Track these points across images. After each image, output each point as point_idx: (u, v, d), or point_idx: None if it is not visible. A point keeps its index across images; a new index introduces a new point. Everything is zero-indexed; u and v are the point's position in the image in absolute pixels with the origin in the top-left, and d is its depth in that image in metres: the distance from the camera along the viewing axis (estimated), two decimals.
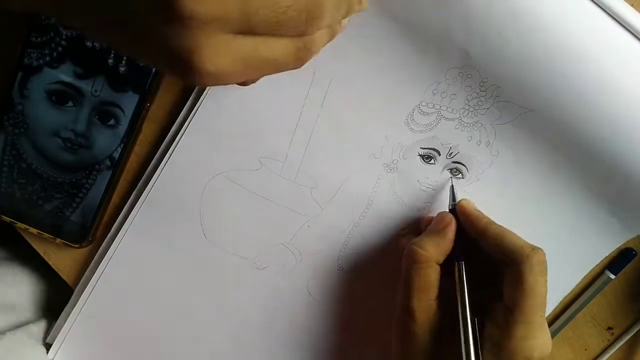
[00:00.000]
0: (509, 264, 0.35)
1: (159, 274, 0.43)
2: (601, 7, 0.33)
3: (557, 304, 0.44)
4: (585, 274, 0.42)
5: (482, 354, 0.35)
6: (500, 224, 0.37)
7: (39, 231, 0.41)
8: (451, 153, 0.39)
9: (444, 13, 0.33)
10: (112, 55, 0.38)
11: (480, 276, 0.37)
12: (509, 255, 0.35)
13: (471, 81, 0.36)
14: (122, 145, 0.40)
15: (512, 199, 0.40)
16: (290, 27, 0.27)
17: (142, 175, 0.41)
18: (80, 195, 0.41)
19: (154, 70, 0.38)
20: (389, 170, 0.40)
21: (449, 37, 0.34)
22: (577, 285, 0.43)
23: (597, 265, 0.42)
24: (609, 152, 0.36)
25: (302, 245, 0.42)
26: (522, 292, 0.34)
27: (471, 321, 0.35)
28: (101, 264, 0.42)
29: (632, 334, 0.45)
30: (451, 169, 0.40)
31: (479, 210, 0.38)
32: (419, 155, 0.39)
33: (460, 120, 0.38)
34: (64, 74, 0.38)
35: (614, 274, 0.43)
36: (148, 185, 0.41)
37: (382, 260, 0.42)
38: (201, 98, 0.39)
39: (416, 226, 0.41)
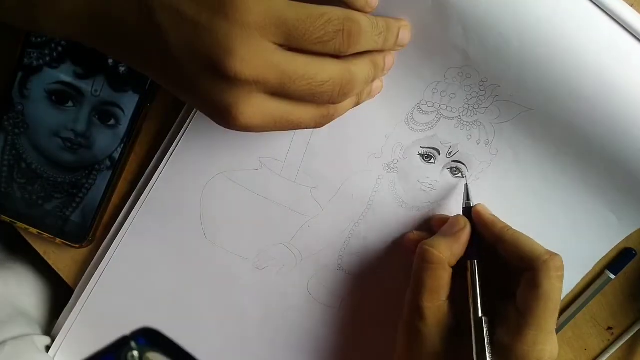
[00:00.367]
0: (526, 269, 0.35)
1: (158, 274, 0.43)
2: (600, 7, 0.33)
3: None
4: (585, 273, 0.42)
5: (492, 356, 0.35)
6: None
7: (39, 231, 0.41)
8: (451, 152, 0.39)
9: (444, 13, 0.33)
10: None
11: (492, 280, 0.37)
12: (526, 261, 0.35)
13: (471, 80, 0.36)
14: (122, 145, 0.40)
15: (512, 197, 0.40)
16: (323, 98, 0.30)
17: (142, 176, 0.41)
18: (80, 195, 0.41)
19: None
20: (389, 170, 0.40)
21: (448, 36, 0.34)
22: (577, 285, 0.43)
23: (597, 265, 0.42)
24: (607, 149, 0.36)
25: (302, 245, 0.42)
26: (536, 298, 0.34)
27: (482, 319, 0.35)
28: (101, 264, 0.42)
29: (632, 334, 0.45)
30: (451, 168, 0.40)
31: (494, 215, 0.38)
32: (419, 154, 0.39)
33: (459, 119, 0.38)
34: (64, 74, 0.38)
35: (614, 274, 0.43)
36: (148, 186, 0.41)
37: (382, 260, 0.42)
38: None
39: (426, 225, 0.41)
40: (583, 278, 0.43)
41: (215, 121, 0.30)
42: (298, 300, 0.43)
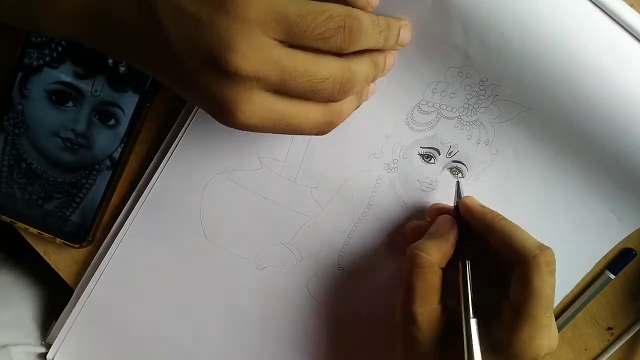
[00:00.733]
0: (516, 262, 0.35)
1: (158, 274, 0.43)
2: (600, 7, 0.33)
3: (557, 304, 0.44)
4: (585, 273, 0.42)
5: (488, 354, 0.35)
6: None
7: (39, 231, 0.41)
8: (451, 152, 0.39)
9: (444, 12, 0.33)
10: None
11: (486, 275, 0.37)
12: (516, 254, 0.35)
13: (470, 80, 0.36)
14: (122, 145, 0.40)
15: (512, 197, 0.40)
16: (323, 95, 0.30)
17: (142, 176, 0.41)
18: (80, 195, 0.41)
19: None
20: (389, 170, 0.40)
21: (448, 36, 0.34)
22: (577, 285, 0.43)
23: (597, 265, 0.42)
24: (607, 149, 0.36)
25: (303, 245, 0.42)
26: (528, 293, 0.34)
27: (474, 320, 0.35)
28: (101, 264, 0.42)
29: (632, 334, 0.45)
30: (451, 168, 0.40)
31: (483, 206, 0.38)
32: (419, 154, 0.39)
33: (459, 119, 0.38)
34: (64, 74, 0.38)
35: (614, 274, 0.43)
36: (148, 185, 0.41)
37: (382, 260, 0.42)
38: None
39: (410, 213, 0.40)
40: (583, 278, 0.43)
41: (214, 118, 0.30)
42: (298, 300, 0.43)
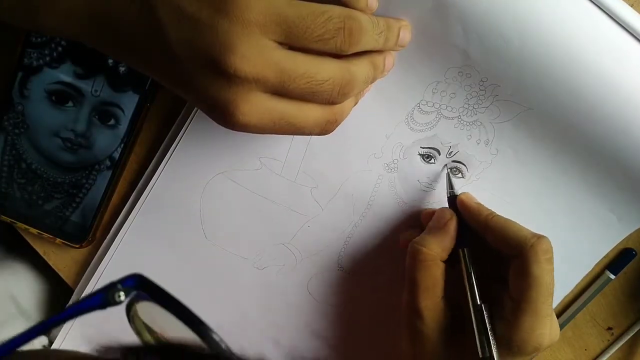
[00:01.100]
0: (514, 255, 0.35)
1: (158, 274, 0.42)
2: (600, 7, 0.33)
3: (557, 304, 0.44)
4: (586, 273, 0.42)
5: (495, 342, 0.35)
6: None
7: (39, 231, 0.41)
8: (451, 152, 0.39)
9: (444, 13, 0.33)
10: None
11: (485, 270, 0.37)
12: (513, 246, 0.35)
13: (470, 80, 0.36)
14: (122, 145, 0.40)
15: (512, 197, 0.40)
16: (323, 97, 0.30)
17: (142, 176, 0.41)
18: (80, 195, 0.41)
19: None
20: (390, 170, 0.40)
21: (448, 36, 0.34)
22: (577, 285, 0.43)
23: (597, 265, 0.42)
24: (607, 149, 0.36)
25: (303, 245, 0.42)
26: (527, 283, 0.34)
27: (481, 306, 0.35)
28: (101, 264, 0.42)
29: (632, 334, 0.45)
30: (451, 169, 0.40)
31: (479, 203, 0.38)
32: (419, 154, 0.39)
33: (459, 119, 0.38)
34: (64, 74, 0.38)
35: (614, 274, 0.43)
36: (148, 186, 0.41)
37: (382, 260, 0.42)
38: None
39: (416, 221, 0.41)
40: (583, 278, 0.43)
41: (213, 119, 0.30)
42: (298, 300, 0.43)
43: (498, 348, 0.35)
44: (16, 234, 0.43)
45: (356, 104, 0.35)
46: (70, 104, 0.39)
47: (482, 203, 0.39)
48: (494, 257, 0.37)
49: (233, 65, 0.27)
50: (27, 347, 0.41)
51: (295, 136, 0.39)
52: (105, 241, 0.42)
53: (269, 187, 0.40)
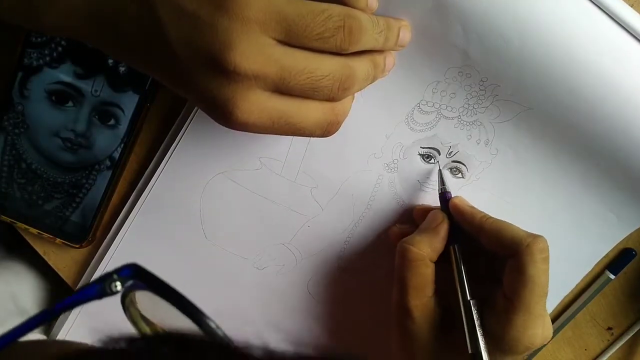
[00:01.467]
0: (510, 255, 0.35)
1: (158, 274, 0.42)
2: (600, 7, 0.33)
3: (557, 304, 0.44)
4: (586, 273, 0.42)
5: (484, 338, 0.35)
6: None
7: (39, 231, 0.41)
8: (451, 152, 0.39)
9: (444, 13, 0.33)
10: None
11: (478, 270, 0.37)
12: (509, 247, 0.35)
13: (470, 80, 0.36)
14: (122, 145, 0.40)
15: (512, 197, 0.40)
16: (323, 93, 0.30)
17: (142, 176, 0.41)
18: (80, 195, 0.41)
19: None
20: (390, 170, 0.40)
21: (448, 36, 0.34)
22: (577, 285, 0.43)
23: (597, 265, 0.42)
24: (607, 149, 0.36)
25: (302, 245, 0.42)
26: (522, 283, 0.34)
27: (472, 303, 0.35)
28: (101, 264, 0.42)
29: (632, 334, 0.45)
30: (451, 169, 0.40)
31: (472, 207, 0.38)
32: (419, 154, 0.39)
33: (459, 119, 0.38)
34: (64, 74, 0.38)
35: (614, 274, 0.43)
36: (148, 185, 0.41)
37: (382, 260, 0.42)
38: None
39: (409, 213, 0.41)
40: (583, 278, 0.43)
41: (213, 118, 0.30)
42: (298, 300, 0.43)
43: (490, 346, 0.35)
44: (16, 234, 0.43)
45: (352, 101, 0.35)
46: (70, 104, 0.39)
47: (482, 203, 0.39)
48: (487, 258, 0.37)
49: (233, 63, 0.27)
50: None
51: (295, 136, 0.39)
52: (105, 241, 0.42)
53: (269, 187, 0.40)
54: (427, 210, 0.39)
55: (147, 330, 0.24)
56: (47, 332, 0.45)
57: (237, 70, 0.27)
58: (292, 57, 0.28)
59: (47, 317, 0.22)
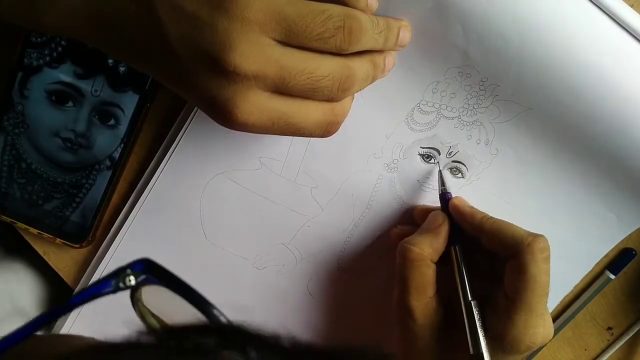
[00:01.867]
0: (511, 255, 0.35)
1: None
2: (600, 7, 0.33)
3: (557, 304, 0.44)
4: (586, 273, 0.42)
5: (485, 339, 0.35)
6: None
7: (39, 231, 0.41)
8: (451, 152, 0.39)
9: (444, 13, 0.33)
10: None
11: (479, 270, 0.37)
12: (509, 247, 0.35)
13: (470, 80, 0.36)
14: (122, 145, 0.40)
15: (512, 197, 0.40)
16: (323, 93, 0.30)
17: (142, 176, 0.41)
18: (80, 195, 0.41)
19: None
20: (390, 170, 0.40)
21: (448, 36, 0.34)
22: (577, 285, 0.43)
23: (597, 265, 0.42)
24: (607, 149, 0.36)
25: (302, 245, 0.42)
26: (524, 282, 0.34)
27: (472, 302, 0.35)
28: (101, 264, 0.42)
29: (632, 334, 0.45)
30: (451, 169, 0.40)
31: (472, 207, 0.38)
32: (419, 154, 0.39)
33: (459, 119, 0.38)
34: (64, 74, 0.38)
35: (614, 274, 0.43)
36: (148, 186, 0.41)
37: (382, 260, 0.42)
38: None
39: (410, 213, 0.41)
40: (583, 278, 0.43)
41: (213, 118, 0.30)
42: (298, 300, 0.43)
43: (491, 346, 0.35)
44: (16, 234, 0.43)
45: (352, 102, 0.35)
46: (70, 104, 0.39)
47: (482, 203, 0.39)
48: (488, 258, 0.37)
49: (233, 63, 0.27)
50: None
51: (295, 136, 0.39)
52: (105, 241, 0.42)
53: (269, 187, 0.40)
54: (427, 211, 0.39)
55: (156, 325, 0.24)
56: (46, 332, 0.45)
57: (237, 71, 0.27)
58: (292, 58, 0.28)
59: (62, 312, 0.22)
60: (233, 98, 0.28)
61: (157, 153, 0.40)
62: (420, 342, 0.36)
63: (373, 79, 0.33)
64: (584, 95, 0.34)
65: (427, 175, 0.40)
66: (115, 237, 0.42)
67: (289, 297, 0.43)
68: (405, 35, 0.34)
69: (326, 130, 0.32)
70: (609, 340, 0.45)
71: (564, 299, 0.43)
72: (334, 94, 0.30)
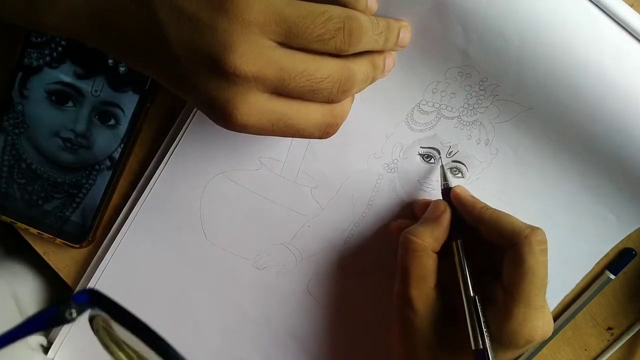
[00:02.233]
0: (508, 246, 0.35)
1: (159, 274, 0.43)
2: (600, 7, 0.33)
3: (557, 304, 0.44)
4: (586, 273, 0.42)
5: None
6: None
7: (39, 231, 0.41)
8: (451, 152, 0.39)
9: (444, 13, 0.33)
10: None
11: (478, 262, 0.37)
12: (507, 238, 0.35)
13: (471, 80, 0.36)
14: (122, 145, 0.40)
15: (512, 197, 0.40)
16: (323, 95, 0.30)
17: (142, 176, 0.41)
18: (80, 195, 0.41)
19: None
20: (389, 170, 0.40)
21: (448, 36, 0.34)
22: (577, 285, 0.43)
23: (597, 265, 0.42)
24: (607, 149, 0.36)
25: (302, 245, 0.42)
26: (521, 274, 0.34)
27: (475, 297, 0.35)
28: (101, 264, 0.42)
29: (632, 334, 0.45)
30: (451, 169, 0.40)
31: (473, 196, 0.38)
32: (419, 154, 0.39)
33: (459, 119, 0.38)
34: (64, 74, 0.38)
35: (614, 274, 0.43)
36: (148, 185, 0.41)
37: (382, 260, 0.42)
38: None
39: (409, 211, 0.41)
40: (583, 278, 0.43)
41: (212, 119, 0.30)
42: (298, 300, 0.43)
43: (490, 341, 0.35)
44: (16, 234, 0.43)
45: (352, 103, 0.35)
46: (70, 104, 0.39)
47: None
48: (487, 250, 0.37)
49: (232, 65, 0.27)
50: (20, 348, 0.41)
51: (294, 137, 0.39)
52: (105, 241, 0.42)
53: (269, 187, 0.40)
54: (428, 204, 0.39)
55: (118, 354, 0.24)
56: (46, 333, 0.45)
57: (237, 72, 0.27)
58: (291, 59, 0.28)
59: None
60: (233, 100, 0.28)
61: (157, 153, 0.40)
62: (421, 333, 0.36)
63: (373, 80, 0.33)
64: (583, 95, 0.34)
65: (427, 175, 0.40)
66: (115, 237, 0.42)
67: (289, 297, 0.43)
68: (406, 35, 0.34)
69: (325, 131, 0.32)
70: (609, 340, 0.45)
71: (564, 299, 0.43)
72: (333, 95, 0.30)
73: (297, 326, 0.43)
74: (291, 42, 0.28)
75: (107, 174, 0.40)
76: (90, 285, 0.42)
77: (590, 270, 0.42)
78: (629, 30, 0.33)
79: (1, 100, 0.39)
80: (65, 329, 0.43)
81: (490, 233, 0.36)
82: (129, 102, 0.39)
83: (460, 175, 0.40)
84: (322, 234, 0.41)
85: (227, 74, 0.28)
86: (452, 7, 0.33)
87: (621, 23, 0.33)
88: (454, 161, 0.39)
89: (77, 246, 0.42)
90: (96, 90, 0.39)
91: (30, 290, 0.45)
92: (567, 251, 0.41)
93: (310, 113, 0.31)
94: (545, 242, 0.34)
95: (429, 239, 0.36)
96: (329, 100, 0.31)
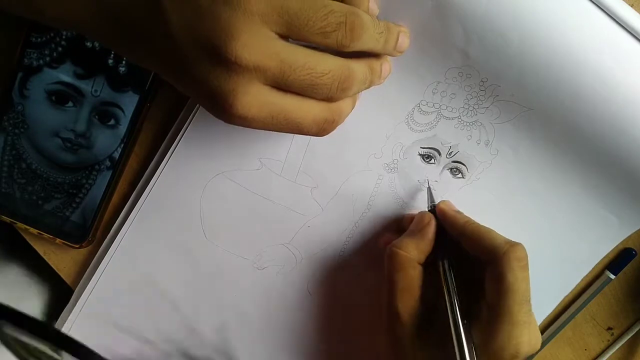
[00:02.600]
0: (489, 262, 0.35)
1: (159, 274, 0.43)
2: (600, 7, 0.33)
3: (557, 304, 0.44)
4: (586, 273, 0.43)
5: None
6: (499, 223, 0.37)
7: (39, 231, 0.41)
8: (451, 152, 0.39)
9: (444, 13, 0.33)
10: (112, 55, 0.38)
11: (463, 277, 0.37)
12: (488, 254, 0.35)
13: (471, 80, 0.36)
14: (122, 145, 0.40)
15: (512, 197, 0.40)
16: (322, 91, 0.30)
17: (142, 175, 0.41)
18: (80, 195, 0.41)
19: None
20: (390, 170, 0.40)
21: (448, 36, 0.34)
22: (577, 285, 0.43)
23: (597, 265, 0.42)
24: (607, 149, 0.36)
25: (302, 245, 0.42)
26: (502, 290, 0.34)
27: (461, 320, 0.35)
28: (101, 264, 0.42)
29: (632, 334, 0.45)
30: (451, 169, 0.40)
31: (457, 211, 0.38)
32: (419, 154, 0.39)
33: (459, 120, 0.38)
34: (64, 74, 0.38)
35: (614, 274, 0.43)
36: (148, 185, 0.41)
37: (382, 260, 0.42)
38: None
39: (398, 225, 0.41)
40: (583, 278, 0.43)
41: (212, 112, 0.30)
42: (298, 300, 0.43)
43: (476, 357, 0.34)
44: (16, 234, 0.43)
45: (353, 107, 0.35)
46: (70, 104, 0.39)
47: (482, 203, 0.39)
48: (472, 266, 0.37)
49: (234, 53, 0.27)
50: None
51: (295, 136, 0.39)
52: (105, 241, 0.42)
53: (269, 187, 0.40)
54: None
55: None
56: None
57: (238, 61, 0.27)
58: (293, 52, 0.28)
59: None
60: (234, 90, 0.28)
61: (157, 153, 0.40)
62: (408, 344, 0.36)
63: (370, 84, 0.33)
64: (584, 96, 0.34)
65: (427, 176, 0.40)
66: (115, 237, 0.42)
67: (289, 297, 0.43)
68: (404, 40, 0.34)
69: (322, 128, 0.32)
70: (609, 340, 0.45)
71: (564, 299, 0.43)
72: (332, 92, 0.30)
73: (297, 326, 0.43)
74: (293, 33, 0.28)
75: (107, 174, 0.40)
76: (90, 285, 0.42)
77: (590, 270, 0.42)
78: (629, 30, 0.33)
79: (1, 100, 0.39)
80: (65, 329, 0.43)
81: (472, 248, 0.36)
82: (129, 102, 0.39)
83: (460, 175, 0.40)
84: (322, 234, 0.41)
85: (228, 63, 0.27)
86: (452, 8, 0.33)
87: (621, 23, 0.33)
88: (454, 161, 0.39)
89: (77, 246, 0.42)
90: (96, 90, 0.39)
91: (30, 290, 0.45)
92: (568, 251, 0.41)
93: (309, 109, 0.31)
94: (525, 258, 0.34)
95: (414, 251, 0.37)
96: (328, 98, 0.31)
